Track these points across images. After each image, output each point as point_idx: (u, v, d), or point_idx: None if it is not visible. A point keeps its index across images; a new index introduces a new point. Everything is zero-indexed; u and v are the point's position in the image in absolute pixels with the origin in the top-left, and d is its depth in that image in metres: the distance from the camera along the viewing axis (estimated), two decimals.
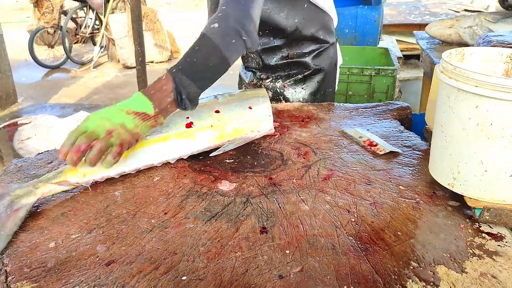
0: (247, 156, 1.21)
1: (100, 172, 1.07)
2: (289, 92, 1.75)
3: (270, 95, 1.76)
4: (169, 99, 1.09)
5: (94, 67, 6.55)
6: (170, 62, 6.91)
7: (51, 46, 6.57)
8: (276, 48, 1.69)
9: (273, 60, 1.72)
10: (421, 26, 4.63)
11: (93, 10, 6.74)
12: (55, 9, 6.30)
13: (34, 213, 0.98)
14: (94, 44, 7.00)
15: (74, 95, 5.46)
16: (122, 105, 1.07)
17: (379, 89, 2.56)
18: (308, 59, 1.69)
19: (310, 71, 1.75)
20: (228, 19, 1.15)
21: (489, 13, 2.36)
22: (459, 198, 0.98)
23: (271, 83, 1.77)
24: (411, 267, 0.80)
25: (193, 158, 1.19)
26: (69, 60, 6.57)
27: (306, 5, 1.59)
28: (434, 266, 0.80)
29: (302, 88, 1.75)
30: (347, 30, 2.94)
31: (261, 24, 1.45)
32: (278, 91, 1.77)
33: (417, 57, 4.17)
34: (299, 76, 1.75)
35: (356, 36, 3.03)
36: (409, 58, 4.36)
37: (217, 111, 1.23)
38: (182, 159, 1.19)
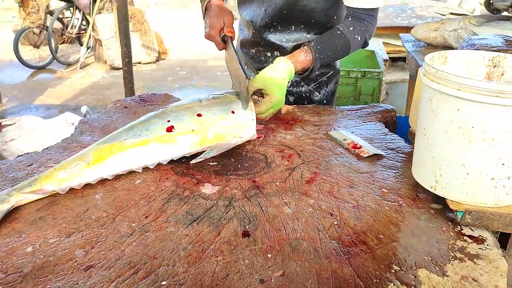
0: (230, 158, 1.20)
1: (78, 178, 1.05)
2: (315, 95, 1.71)
3: (292, 100, 1.70)
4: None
5: (80, 68, 6.49)
6: (158, 63, 6.88)
7: (36, 46, 6.49)
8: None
9: None
10: (408, 29, 4.65)
11: (79, 10, 6.67)
12: (40, 9, 6.22)
13: (11, 217, 0.96)
14: (81, 44, 6.93)
15: (59, 96, 5.40)
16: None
17: (365, 91, 2.57)
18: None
19: (332, 72, 1.72)
20: (365, 33, 1.46)
21: (473, 16, 2.38)
22: (441, 200, 0.99)
23: (295, 88, 1.70)
24: (393, 271, 0.80)
25: (175, 160, 1.18)
26: (55, 60, 6.49)
27: None
28: (416, 270, 0.80)
29: (326, 90, 1.72)
30: None
31: (301, 18, 1.56)
32: (304, 95, 1.70)
33: (404, 59, 4.19)
34: (324, 78, 1.71)
35: None
36: (396, 61, 4.38)
37: (199, 115, 1.20)
38: None
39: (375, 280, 0.78)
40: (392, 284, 0.77)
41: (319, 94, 1.72)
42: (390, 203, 1.00)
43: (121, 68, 6.48)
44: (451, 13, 5.23)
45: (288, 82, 1.37)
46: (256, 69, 1.73)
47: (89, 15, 6.51)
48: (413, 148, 1.24)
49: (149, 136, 1.14)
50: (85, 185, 1.06)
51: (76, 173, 1.06)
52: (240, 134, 1.22)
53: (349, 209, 0.97)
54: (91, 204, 1.00)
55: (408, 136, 1.33)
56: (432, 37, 2.40)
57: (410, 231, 0.91)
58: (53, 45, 6.34)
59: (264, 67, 1.68)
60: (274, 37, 1.62)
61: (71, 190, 1.05)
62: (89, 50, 6.73)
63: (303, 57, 1.39)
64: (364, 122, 1.43)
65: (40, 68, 6.45)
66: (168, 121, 1.17)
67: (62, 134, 3.79)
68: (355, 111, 1.52)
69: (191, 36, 8.55)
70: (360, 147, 1.23)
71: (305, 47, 1.40)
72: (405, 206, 0.99)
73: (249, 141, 1.28)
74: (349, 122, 1.43)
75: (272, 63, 1.66)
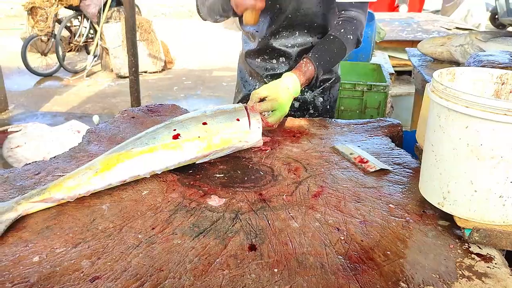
0: (237, 171, 1.20)
1: (86, 186, 1.06)
2: (319, 101, 1.75)
3: (297, 106, 1.75)
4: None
5: (87, 76, 6.54)
6: (164, 72, 6.91)
7: (44, 54, 6.54)
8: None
9: None
10: (413, 43, 4.68)
11: (87, 19, 6.74)
12: (49, 17, 6.28)
13: (18, 226, 0.96)
14: (88, 53, 6.98)
15: (66, 103, 5.43)
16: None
17: (371, 105, 2.57)
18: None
19: (334, 78, 1.77)
20: (356, 31, 1.54)
21: (479, 32, 2.38)
22: (449, 217, 0.98)
23: (299, 94, 1.68)
24: None
25: (182, 172, 1.18)
26: (62, 68, 6.54)
27: None
28: (423, 287, 0.80)
29: (329, 96, 1.77)
30: None
31: (304, 22, 1.62)
32: (308, 100, 1.75)
33: (409, 73, 4.20)
34: (327, 84, 1.76)
35: None
36: (401, 74, 4.39)
37: (204, 123, 1.22)
38: (172, 172, 1.17)
39: None
40: None
41: (323, 99, 1.76)
42: (397, 219, 1.00)
43: (127, 77, 6.52)
44: (457, 28, 5.25)
45: (296, 94, 1.42)
46: (263, 77, 1.76)
47: (97, 24, 6.57)
48: (420, 164, 1.24)
49: (155, 144, 1.15)
50: (92, 195, 1.07)
51: (85, 181, 1.06)
52: (246, 139, 1.25)
53: (356, 224, 0.97)
54: (98, 214, 1.00)
55: (415, 151, 1.33)
56: (439, 52, 2.40)
57: (418, 247, 0.91)
58: (60, 53, 6.39)
59: (271, 74, 1.75)
60: (279, 43, 1.68)
61: (78, 200, 1.05)
62: (96, 59, 6.78)
63: (305, 68, 1.45)
64: (370, 136, 1.43)
65: (47, 76, 6.50)
66: (174, 130, 1.19)
67: (68, 142, 3.82)
68: (361, 125, 1.52)
69: (197, 46, 8.61)
70: (366, 162, 1.23)
71: (304, 60, 1.47)
72: (412, 222, 0.99)
73: (255, 154, 1.29)
74: (356, 136, 1.43)
75: (278, 69, 1.74)
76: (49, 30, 6.33)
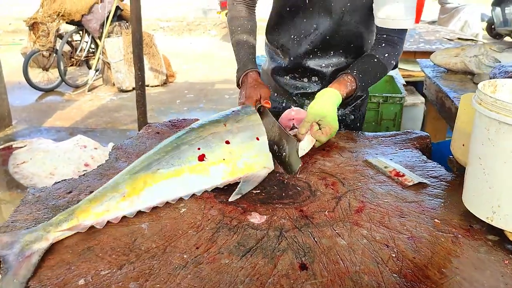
0: (273, 186, 1.18)
1: (115, 212, 1.02)
2: (350, 118, 1.71)
3: None
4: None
5: (88, 91, 6.51)
6: (166, 86, 6.91)
7: (45, 69, 6.52)
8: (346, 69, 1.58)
9: None
10: (417, 54, 4.70)
11: (88, 34, 6.73)
12: (51, 33, 6.26)
13: (58, 247, 0.94)
14: (89, 67, 6.96)
15: (69, 118, 5.40)
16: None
17: (386, 116, 2.57)
18: None
19: (365, 95, 1.75)
20: (398, 56, 1.52)
21: (493, 42, 2.39)
22: (498, 232, 0.96)
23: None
24: None
25: (217, 188, 1.15)
26: (63, 83, 6.52)
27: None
28: None
29: (358, 113, 1.74)
30: None
31: (342, 43, 1.59)
32: (340, 118, 1.66)
33: (414, 83, 4.21)
34: (358, 101, 1.73)
35: None
36: (405, 85, 4.40)
37: (227, 142, 1.19)
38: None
39: None
40: None
41: (354, 117, 1.73)
42: (445, 234, 0.98)
43: (129, 91, 6.52)
44: (459, 38, 5.28)
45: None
46: (292, 95, 1.72)
47: (99, 39, 6.56)
48: (455, 177, 1.23)
49: (181, 166, 1.12)
50: None
51: (113, 206, 1.02)
52: (268, 165, 1.22)
53: (405, 240, 0.95)
54: (138, 234, 0.98)
55: (448, 163, 1.31)
56: (453, 63, 2.41)
57: (472, 264, 0.88)
58: (62, 68, 6.37)
59: (301, 93, 1.70)
60: (314, 63, 1.63)
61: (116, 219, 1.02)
62: (97, 73, 6.77)
63: (349, 87, 1.42)
64: (400, 149, 1.42)
65: (48, 91, 6.47)
66: (199, 148, 1.16)
67: (75, 157, 3.78)
68: (389, 138, 1.51)
69: (198, 60, 8.62)
70: (403, 175, 1.21)
71: (349, 77, 1.42)
72: (461, 237, 0.97)
73: None
74: (386, 149, 1.41)
75: (309, 88, 1.69)
76: (51, 45, 6.31)
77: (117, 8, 6.52)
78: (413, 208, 1.07)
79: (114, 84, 6.65)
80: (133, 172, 1.11)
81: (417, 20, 9.16)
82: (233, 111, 1.30)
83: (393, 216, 1.04)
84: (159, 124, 1.59)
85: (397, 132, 1.54)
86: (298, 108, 1.51)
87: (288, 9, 1.58)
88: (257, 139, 1.23)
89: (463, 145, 1.18)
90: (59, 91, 6.53)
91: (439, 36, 5.42)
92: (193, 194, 1.12)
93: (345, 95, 1.40)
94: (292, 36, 1.61)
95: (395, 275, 0.85)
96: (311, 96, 1.68)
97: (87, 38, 6.79)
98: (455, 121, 1.23)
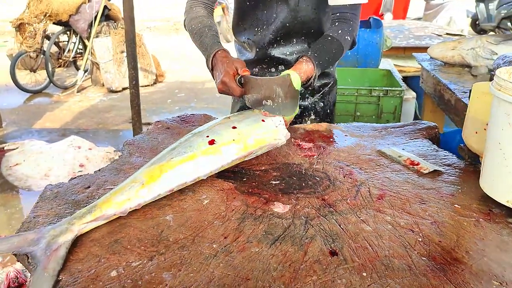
0: (292, 177, 1.18)
1: (136, 200, 1.03)
2: (319, 106, 1.77)
3: (298, 112, 1.69)
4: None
5: (77, 92, 6.44)
6: (156, 86, 6.87)
7: (33, 70, 6.43)
8: None
9: None
10: (406, 49, 4.76)
11: (76, 34, 6.66)
12: (38, 34, 6.18)
13: (85, 241, 0.93)
14: (77, 68, 6.89)
15: (59, 119, 5.33)
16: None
17: (386, 110, 2.59)
18: (332, 68, 1.73)
19: (332, 82, 1.79)
20: (353, 32, 1.56)
21: (490, 35, 2.43)
22: None
23: (301, 101, 1.74)
24: (494, 286, 0.79)
25: (236, 180, 1.16)
26: (51, 84, 6.44)
27: None
28: None
29: (328, 100, 1.79)
30: (349, 53, 3.01)
31: (302, 29, 1.64)
32: (309, 106, 1.77)
33: (404, 78, 4.26)
34: (326, 89, 1.78)
35: (358, 59, 3.08)
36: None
37: (234, 127, 1.25)
38: (226, 181, 1.16)
39: None
40: None
41: (323, 104, 1.79)
42: (466, 218, 0.99)
43: (119, 91, 6.47)
44: (447, 33, 5.35)
45: (300, 97, 1.44)
46: None
47: (87, 39, 6.50)
48: (468, 164, 1.25)
49: (194, 151, 1.15)
50: (152, 206, 1.04)
51: (133, 194, 1.03)
52: (278, 136, 1.28)
53: (428, 225, 0.97)
54: (164, 226, 0.98)
55: (459, 152, 1.33)
56: (450, 56, 2.44)
57: (497, 246, 0.90)
58: (50, 69, 6.29)
59: None
60: (278, 52, 1.70)
61: (139, 212, 1.02)
62: (86, 74, 6.70)
63: (306, 67, 1.43)
64: (410, 139, 1.44)
65: (36, 92, 6.38)
66: (207, 136, 1.20)
67: (69, 158, 3.74)
68: (398, 128, 1.53)
69: (187, 59, 8.59)
70: (418, 164, 1.23)
71: (304, 58, 1.45)
72: (482, 221, 0.99)
73: (304, 160, 1.28)
74: (397, 140, 1.43)
75: None
76: (38, 47, 6.23)
77: (105, 7, 6.47)
78: (432, 195, 1.09)
79: (103, 85, 6.59)
80: (148, 166, 1.13)
81: (404, 16, 9.26)
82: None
83: (414, 202, 1.06)
84: (168, 120, 1.59)
85: (405, 123, 1.56)
86: None
87: (248, 3, 1.65)
88: (263, 121, 1.29)
89: (476, 132, 1.20)
90: (47, 93, 6.45)
91: (428, 32, 5.48)
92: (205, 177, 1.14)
93: (303, 75, 1.41)
94: (255, 29, 1.68)
95: (424, 258, 0.86)
96: None
97: (74, 38, 6.72)
98: (467, 110, 1.26)
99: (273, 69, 1.74)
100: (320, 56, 1.47)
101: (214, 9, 1.72)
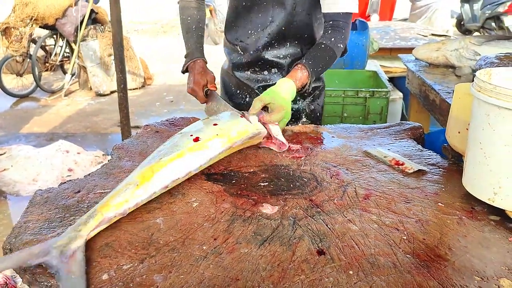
0: (280, 178, 1.20)
1: (133, 200, 1.04)
2: (310, 109, 1.80)
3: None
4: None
5: (65, 95, 6.40)
6: (144, 89, 6.85)
7: (19, 74, 6.37)
8: None
9: None
10: (392, 50, 4.81)
11: (63, 38, 6.62)
12: (24, 38, 6.12)
13: None
14: (64, 72, 6.84)
15: (46, 124, 5.30)
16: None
17: (373, 111, 2.63)
18: None
19: (322, 85, 1.83)
20: (345, 40, 1.61)
21: (473, 36, 2.48)
22: (499, 212, 1.02)
23: (293, 105, 1.76)
24: (476, 281, 0.82)
25: (225, 183, 1.18)
26: (38, 88, 6.38)
27: None
28: (497, 279, 0.82)
29: (317, 103, 1.82)
30: None
31: (296, 33, 1.69)
32: (301, 108, 1.80)
33: (391, 79, 4.31)
34: (316, 92, 1.82)
35: (344, 60, 3.12)
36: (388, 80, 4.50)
37: (215, 124, 1.32)
38: (215, 183, 1.17)
39: None
40: None
41: (313, 107, 1.83)
42: (450, 216, 1.02)
43: (107, 95, 6.44)
44: (432, 34, 5.42)
45: (292, 101, 1.47)
46: (254, 88, 1.81)
47: (74, 42, 6.46)
48: (451, 163, 1.28)
49: (181, 150, 1.19)
50: (142, 210, 1.05)
51: (130, 195, 1.04)
52: (259, 127, 1.36)
53: (413, 223, 0.99)
54: (154, 228, 0.99)
55: (443, 151, 1.37)
56: (434, 57, 2.49)
57: (478, 242, 0.93)
58: (36, 73, 6.24)
59: (263, 85, 1.79)
60: (272, 55, 1.73)
61: (129, 216, 1.03)
62: (73, 77, 6.66)
63: (300, 74, 1.49)
64: (396, 139, 1.47)
65: (23, 97, 6.33)
66: (191, 135, 1.25)
67: (58, 162, 3.72)
68: (384, 129, 1.55)
69: (175, 62, 8.57)
70: (403, 164, 1.26)
71: (299, 65, 1.51)
72: (465, 219, 1.01)
73: (292, 161, 1.30)
74: (382, 140, 1.46)
75: (270, 80, 1.78)
76: (24, 51, 6.17)
77: (92, 11, 6.43)
78: (417, 194, 1.12)
79: (91, 88, 6.55)
80: (139, 168, 1.14)
81: (390, 17, 9.35)
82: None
83: (399, 201, 1.08)
84: (157, 123, 1.60)
85: (391, 123, 1.59)
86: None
87: (243, 5, 1.68)
88: (242, 116, 1.37)
89: (459, 132, 1.23)
90: (34, 97, 6.39)
91: (414, 33, 5.55)
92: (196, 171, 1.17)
93: (299, 83, 1.48)
94: (249, 32, 1.71)
95: (408, 255, 0.89)
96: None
97: (61, 42, 6.67)
98: (450, 110, 1.29)
99: (265, 72, 1.77)
100: (314, 64, 1.53)
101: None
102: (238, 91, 1.86)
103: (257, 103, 1.40)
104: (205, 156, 1.21)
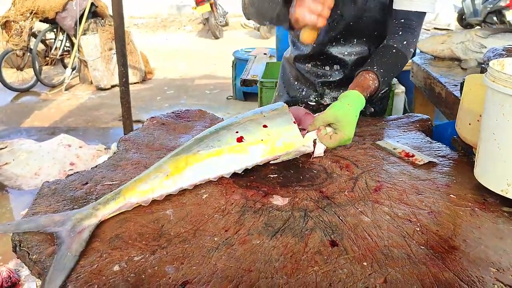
0: (290, 170, 1.19)
1: (159, 190, 1.04)
2: (370, 111, 1.66)
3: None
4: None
5: (65, 90, 6.39)
6: (144, 83, 6.84)
7: (20, 69, 6.36)
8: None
9: None
10: None
11: (63, 32, 6.59)
12: (24, 32, 6.11)
13: None
14: (64, 66, 6.83)
15: (47, 118, 5.29)
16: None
17: None
18: None
19: (387, 88, 1.73)
20: (416, 43, 1.48)
21: (479, 29, 2.47)
22: (511, 203, 1.01)
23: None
24: (491, 273, 0.81)
25: (235, 174, 1.17)
26: (38, 82, 6.37)
27: None
28: None
29: (380, 106, 1.73)
30: None
31: (365, 30, 1.55)
32: (364, 110, 1.53)
33: None
34: (380, 94, 1.61)
35: None
36: None
37: (265, 126, 1.20)
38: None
39: (478, 283, 0.78)
40: (496, 286, 0.78)
41: (373, 109, 1.69)
42: (462, 208, 1.01)
43: (108, 89, 6.43)
44: (435, 28, 5.42)
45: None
46: (314, 83, 1.70)
47: (74, 36, 6.44)
48: (461, 155, 1.27)
49: (221, 146, 1.14)
50: (152, 202, 1.04)
51: (157, 184, 1.04)
52: (308, 143, 1.23)
53: (425, 215, 0.98)
54: (164, 220, 0.98)
55: (453, 143, 1.36)
56: (439, 50, 2.47)
57: (493, 234, 0.92)
58: (37, 67, 6.22)
59: (322, 81, 1.68)
60: (336, 51, 1.62)
61: (138, 206, 1.02)
62: (74, 71, 6.64)
63: (371, 85, 1.34)
64: (404, 132, 1.45)
65: (23, 91, 6.32)
66: (237, 132, 1.18)
67: (60, 156, 3.71)
68: (392, 121, 1.54)
69: (175, 56, 8.55)
70: (413, 156, 1.25)
71: (371, 75, 1.35)
72: (478, 210, 1.01)
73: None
74: (391, 132, 1.45)
75: (330, 77, 1.66)
76: (25, 44, 6.16)
77: (92, 4, 6.41)
78: (428, 186, 1.11)
79: (91, 83, 6.55)
80: (174, 154, 1.13)
81: None
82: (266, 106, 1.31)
83: (410, 193, 1.07)
84: (163, 116, 1.58)
85: (399, 116, 1.58)
86: (309, 112, 1.37)
87: None
88: (294, 122, 1.23)
89: (470, 124, 1.22)
90: (35, 91, 6.39)
91: None
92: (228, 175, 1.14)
93: (368, 95, 1.33)
94: None
95: (422, 247, 0.88)
96: (332, 85, 1.68)
97: (61, 36, 6.66)
98: (460, 102, 1.28)
99: (327, 67, 1.66)
100: (386, 73, 1.38)
101: None
102: (296, 83, 1.77)
103: (318, 121, 1.22)
104: (242, 162, 1.14)
